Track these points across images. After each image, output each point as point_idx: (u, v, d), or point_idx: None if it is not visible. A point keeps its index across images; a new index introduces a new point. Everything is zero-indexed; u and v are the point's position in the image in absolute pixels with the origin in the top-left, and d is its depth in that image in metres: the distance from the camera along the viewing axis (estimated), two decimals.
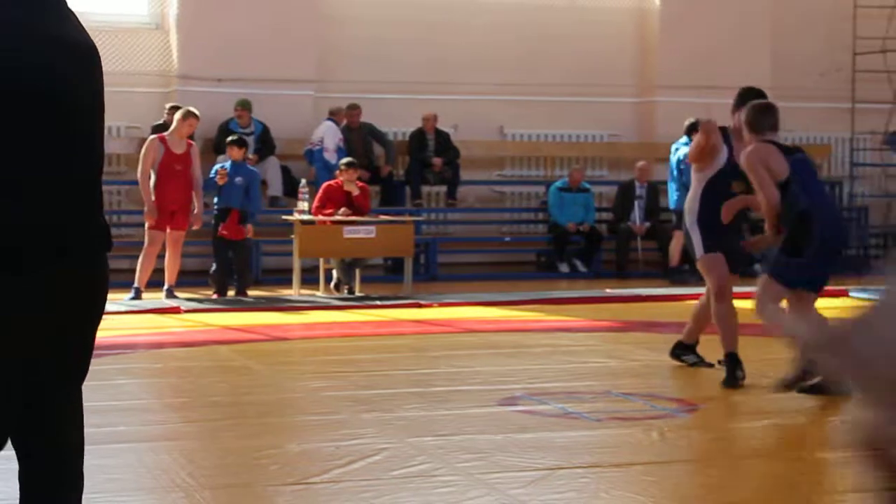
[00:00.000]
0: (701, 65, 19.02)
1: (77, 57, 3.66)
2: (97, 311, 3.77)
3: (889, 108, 19.96)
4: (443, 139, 18.07)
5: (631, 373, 9.71)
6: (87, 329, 3.77)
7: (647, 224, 17.87)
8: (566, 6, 19.30)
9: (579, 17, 19.26)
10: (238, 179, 14.27)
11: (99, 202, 3.73)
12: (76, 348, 3.75)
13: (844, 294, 13.68)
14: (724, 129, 9.02)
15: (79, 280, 3.66)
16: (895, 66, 19.49)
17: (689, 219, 9.04)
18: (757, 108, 8.55)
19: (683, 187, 13.95)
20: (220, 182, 14.19)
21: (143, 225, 14.02)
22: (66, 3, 3.72)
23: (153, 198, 13.72)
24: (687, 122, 15.78)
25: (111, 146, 15.80)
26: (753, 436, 7.31)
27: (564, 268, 17.83)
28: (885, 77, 19.67)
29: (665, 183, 18.50)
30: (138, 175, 13.96)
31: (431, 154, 17.99)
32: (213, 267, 14.56)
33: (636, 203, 17.96)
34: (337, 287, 14.75)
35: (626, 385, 9.03)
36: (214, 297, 14.23)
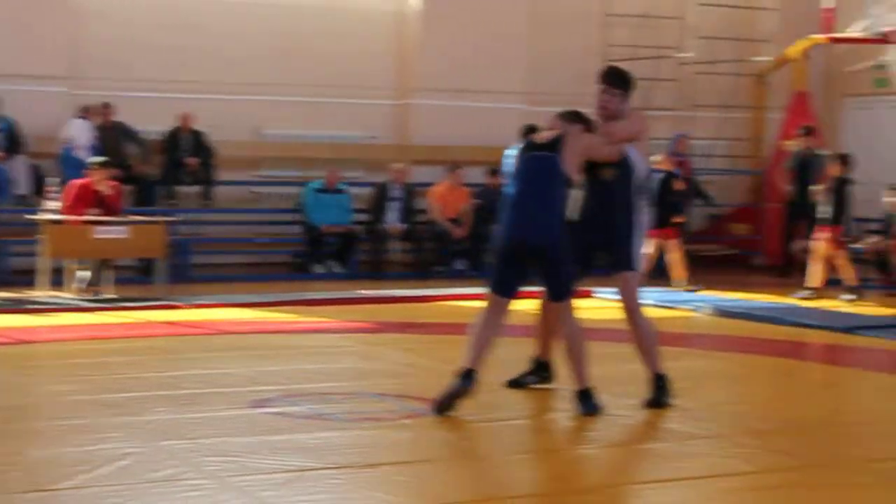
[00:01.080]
0: (458, 69, 19.28)
1: None
2: None
3: None
4: (198, 139, 17.85)
5: (384, 373, 9.76)
6: None
7: (404, 225, 18.00)
8: (324, 6, 19.29)
9: (337, 17, 19.28)
10: None
11: None
12: None
13: (588, 295, 13.94)
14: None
15: None
16: (644, 74, 20.07)
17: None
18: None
19: None
20: None
21: None
22: None
23: None
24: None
25: None
26: (504, 434, 7.41)
27: (320, 269, 17.81)
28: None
29: (420, 184, 18.71)
30: None
31: (186, 154, 17.74)
32: None
33: (393, 205, 18.07)
34: (88, 288, 14.41)
35: (378, 386, 9.06)
36: None
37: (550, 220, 7.92)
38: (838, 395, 9.04)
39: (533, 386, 8.81)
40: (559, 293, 8.07)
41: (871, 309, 15.04)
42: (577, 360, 8.00)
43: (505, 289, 8.09)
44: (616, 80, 8.48)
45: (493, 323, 8.08)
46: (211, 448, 6.91)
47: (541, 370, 8.95)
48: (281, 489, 6.11)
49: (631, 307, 8.27)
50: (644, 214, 8.40)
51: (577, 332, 8.05)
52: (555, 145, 8.12)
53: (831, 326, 12.76)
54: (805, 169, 17.77)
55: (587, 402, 7.93)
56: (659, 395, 8.25)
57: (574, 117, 8.24)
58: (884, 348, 11.73)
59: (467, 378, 7.84)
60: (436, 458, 6.89)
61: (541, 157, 8.13)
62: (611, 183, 8.24)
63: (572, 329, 8.06)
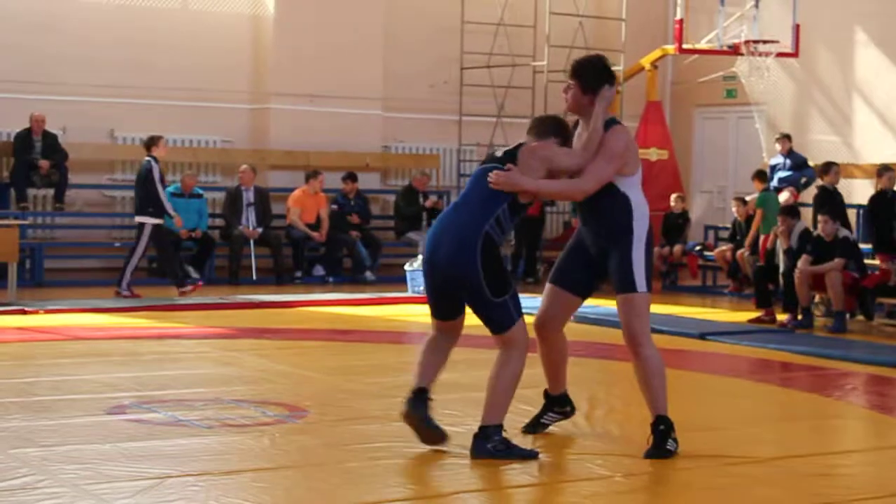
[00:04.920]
0: (315, 74, 19.25)
1: None
2: None
3: (494, 121, 20.75)
4: (50, 141, 17.53)
5: (242, 379, 9.71)
6: None
7: (260, 230, 17.91)
8: (180, 10, 19.12)
9: (193, 20, 19.12)
10: None
11: None
12: None
13: None
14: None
15: None
16: (500, 82, 20.29)
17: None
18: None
19: None
20: None
21: None
22: None
23: None
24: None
25: None
26: (363, 440, 7.42)
27: None
28: (490, 91, 20.45)
29: (277, 189, 18.64)
30: None
31: (38, 156, 17.41)
32: None
33: (248, 209, 17.96)
34: None
35: (237, 392, 9.01)
36: None
37: (466, 244, 6.91)
38: (692, 400, 9.21)
39: (553, 424, 7.85)
40: (493, 327, 7.07)
41: (722, 315, 15.38)
42: (502, 395, 7.03)
43: (435, 311, 7.25)
44: (577, 70, 7.38)
45: (434, 346, 7.27)
46: (66, 456, 6.81)
47: (556, 405, 7.81)
48: (138, 496, 6.05)
49: (631, 334, 7.22)
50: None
51: (515, 372, 7.06)
52: (511, 158, 7.12)
53: (685, 332, 13.02)
54: None
55: (483, 443, 6.98)
56: (659, 442, 7.17)
57: (544, 127, 7.30)
58: (735, 354, 12.00)
59: (417, 398, 7.12)
60: (296, 465, 6.88)
61: (481, 171, 7.16)
62: (602, 206, 7.24)
63: (512, 367, 7.05)
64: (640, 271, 7.18)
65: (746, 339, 12.74)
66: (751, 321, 14.52)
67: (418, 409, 7.11)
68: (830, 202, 15.23)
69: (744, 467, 7.09)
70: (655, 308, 15.12)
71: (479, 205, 7.02)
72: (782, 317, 14.41)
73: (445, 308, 7.18)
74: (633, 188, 7.32)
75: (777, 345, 12.37)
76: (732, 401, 9.61)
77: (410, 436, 7.18)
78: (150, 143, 15.69)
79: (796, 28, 18.66)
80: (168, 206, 15.66)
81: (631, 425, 8.09)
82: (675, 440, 7.19)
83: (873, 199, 15.23)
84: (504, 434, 7.03)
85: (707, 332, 13.05)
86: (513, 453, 7.00)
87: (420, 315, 13.43)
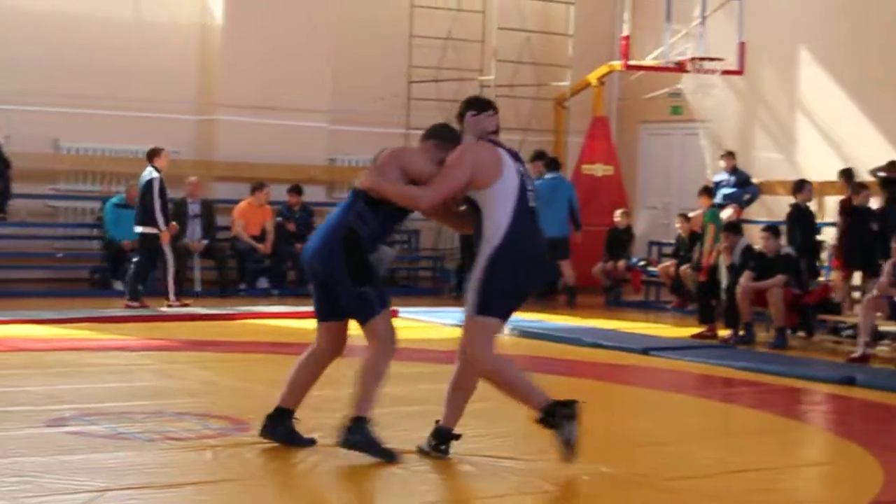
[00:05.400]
0: (263, 85, 19.19)
1: None
2: None
3: None
4: None
5: (185, 392, 9.65)
6: None
7: (205, 242, 17.84)
8: (126, 19, 18.98)
9: (141, 29, 18.99)
10: None
11: None
12: None
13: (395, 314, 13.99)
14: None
15: None
16: (447, 96, 20.29)
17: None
18: None
19: None
20: None
21: None
22: None
23: None
24: None
25: None
26: (304, 453, 7.40)
27: (119, 285, 17.49)
28: (437, 105, 20.45)
29: (223, 201, 18.58)
30: None
31: None
32: None
33: (193, 220, 17.88)
34: None
35: (179, 404, 8.96)
36: None
37: (327, 235, 7.29)
38: (634, 415, 9.26)
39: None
40: (357, 316, 7.29)
41: (665, 331, 15.46)
42: (368, 389, 7.21)
43: (316, 308, 7.51)
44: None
45: (309, 362, 7.52)
46: (6, 468, 6.75)
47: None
48: None
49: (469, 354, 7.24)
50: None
51: (378, 364, 7.24)
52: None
53: (628, 347, 13.08)
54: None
55: (357, 432, 7.16)
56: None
57: (427, 132, 7.60)
58: (677, 369, 12.07)
59: (276, 421, 7.48)
60: (238, 478, 6.85)
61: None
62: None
63: (374, 360, 7.24)
64: (477, 292, 7.13)
65: (689, 355, 12.81)
66: (693, 336, 14.60)
67: (275, 433, 7.40)
68: (803, 220, 15.37)
69: (686, 482, 7.13)
70: (599, 323, 15.28)
71: (347, 202, 7.38)
72: (724, 332, 14.50)
73: (322, 304, 7.40)
74: (490, 203, 7.18)
75: (719, 360, 12.46)
76: (675, 416, 9.66)
77: (343, 452, 7.19)
78: (153, 154, 15.73)
79: (741, 46, 18.82)
80: (160, 221, 15.45)
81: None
82: None
83: (794, 213, 15.49)
84: (369, 427, 7.17)
85: (650, 348, 13.11)
86: (372, 449, 7.15)
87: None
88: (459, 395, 7.38)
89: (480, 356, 7.17)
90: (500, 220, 7.12)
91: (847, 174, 16.39)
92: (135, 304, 15.32)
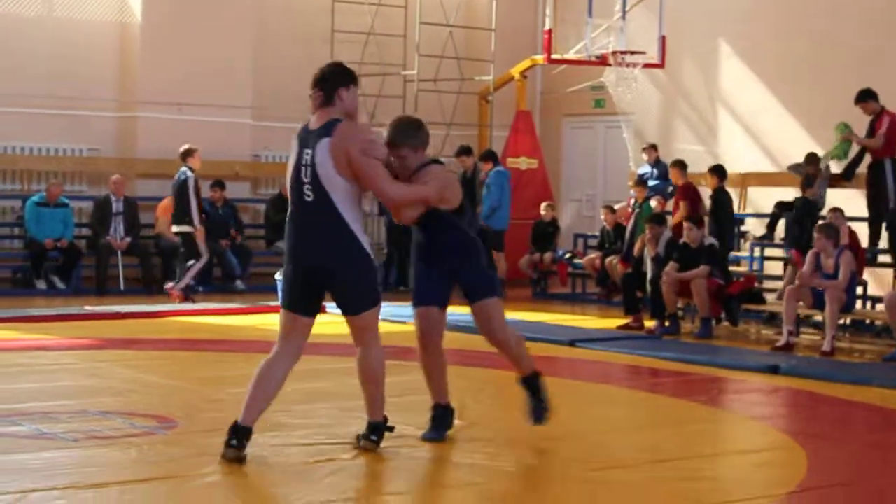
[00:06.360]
0: (183, 82, 19.06)
1: None
2: None
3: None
4: None
5: (110, 391, 9.56)
6: None
7: (128, 240, 17.70)
8: (44, 17, 18.79)
9: (58, 26, 18.81)
10: None
11: None
12: None
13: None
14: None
15: None
16: (370, 91, 20.26)
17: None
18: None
19: None
20: None
21: None
22: None
23: None
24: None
25: None
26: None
27: (42, 284, 17.36)
28: (361, 100, 20.36)
29: (145, 198, 18.43)
30: None
31: None
32: None
33: (116, 218, 17.74)
34: None
35: (104, 403, 8.87)
36: None
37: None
38: (561, 407, 9.28)
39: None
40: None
41: (591, 322, 15.54)
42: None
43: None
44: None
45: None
46: None
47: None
48: None
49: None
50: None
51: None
52: None
53: (555, 339, 13.13)
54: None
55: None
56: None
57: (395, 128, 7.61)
58: (604, 360, 12.14)
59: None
60: (165, 476, 6.79)
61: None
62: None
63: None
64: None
65: (615, 346, 12.89)
66: (619, 328, 14.69)
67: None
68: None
69: (612, 472, 7.16)
70: (526, 315, 15.32)
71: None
72: (650, 323, 14.60)
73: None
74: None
75: (645, 351, 12.55)
76: (601, 407, 9.71)
77: (280, 445, 7.14)
78: (186, 154, 16.13)
79: (662, 40, 18.94)
80: (195, 219, 15.97)
81: (498, 432, 8.13)
82: None
83: (718, 198, 15.70)
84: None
85: (576, 339, 13.18)
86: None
87: None
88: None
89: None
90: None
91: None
92: (184, 299, 15.90)
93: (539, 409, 7.85)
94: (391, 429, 7.50)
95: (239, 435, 7.07)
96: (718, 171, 16.12)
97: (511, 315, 15.23)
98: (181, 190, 15.98)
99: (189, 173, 15.92)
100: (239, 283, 18.16)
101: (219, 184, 18.66)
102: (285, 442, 7.57)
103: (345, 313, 7.29)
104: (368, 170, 7.07)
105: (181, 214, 16.00)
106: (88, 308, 15.08)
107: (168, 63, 19.03)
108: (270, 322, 14.61)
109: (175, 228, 16.15)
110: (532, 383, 7.90)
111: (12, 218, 18.39)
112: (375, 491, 6.76)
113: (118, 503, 6.21)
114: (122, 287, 17.47)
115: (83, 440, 7.61)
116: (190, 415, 8.52)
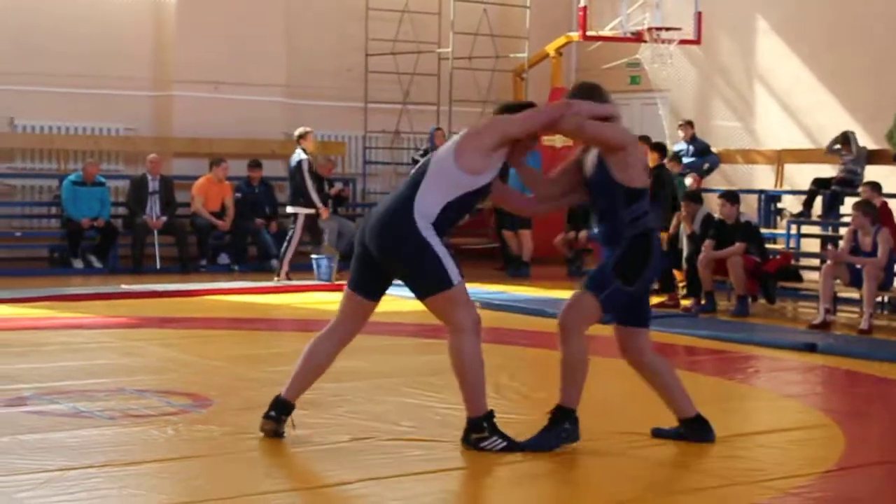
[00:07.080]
0: (218, 60, 19.09)
1: None
2: None
3: (399, 108, 20.72)
4: None
5: (146, 369, 9.61)
6: None
7: (164, 218, 17.76)
8: None
9: (94, 5, 18.87)
10: None
11: None
12: None
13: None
14: None
15: None
16: (405, 69, 20.23)
17: None
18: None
19: None
20: None
21: None
22: None
23: None
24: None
25: None
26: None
27: (79, 263, 17.43)
28: (395, 78, 20.39)
29: (181, 177, 18.47)
30: None
31: None
32: None
33: (152, 197, 17.80)
34: None
35: (140, 382, 8.91)
36: None
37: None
38: (596, 384, 9.24)
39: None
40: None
41: None
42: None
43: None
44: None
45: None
46: None
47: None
48: (39, 490, 5.96)
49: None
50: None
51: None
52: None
53: None
54: None
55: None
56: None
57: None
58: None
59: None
60: (200, 455, 6.81)
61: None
62: None
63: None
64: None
65: (651, 324, 12.79)
66: (655, 306, 14.61)
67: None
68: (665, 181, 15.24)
69: (648, 449, 7.15)
70: (561, 293, 15.26)
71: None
72: (686, 301, 14.54)
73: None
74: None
75: (681, 329, 12.50)
76: (636, 384, 9.66)
77: (314, 424, 7.16)
78: (301, 136, 16.24)
79: (698, 15, 18.82)
80: (315, 199, 16.11)
81: (535, 411, 8.12)
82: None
83: (657, 174, 15.49)
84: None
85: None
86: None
87: (325, 302, 13.39)
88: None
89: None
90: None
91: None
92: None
93: None
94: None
95: (278, 408, 7.07)
96: (659, 147, 15.91)
97: (546, 293, 15.27)
98: (295, 172, 16.11)
99: (303, 155, 16.06)
100: (274, 262, 18.17)
101: (255, 163, 18.69)
102: (318, 421, 7.57)
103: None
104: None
105: (295, 196, 16.15)
106: (125, 287, 15.15)
107: (201, 42, 19.06)
108: (306, 301, 14.67)
109: (290, 209, 16.32)
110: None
111: (49, 197, 18.47)
112: (398, 472, 6.74)
113: (154, 481, 6.24)
114: (158, 266, 17.53)
115: (120, 418, 7.64)
116: (225, 393, 8.55)
